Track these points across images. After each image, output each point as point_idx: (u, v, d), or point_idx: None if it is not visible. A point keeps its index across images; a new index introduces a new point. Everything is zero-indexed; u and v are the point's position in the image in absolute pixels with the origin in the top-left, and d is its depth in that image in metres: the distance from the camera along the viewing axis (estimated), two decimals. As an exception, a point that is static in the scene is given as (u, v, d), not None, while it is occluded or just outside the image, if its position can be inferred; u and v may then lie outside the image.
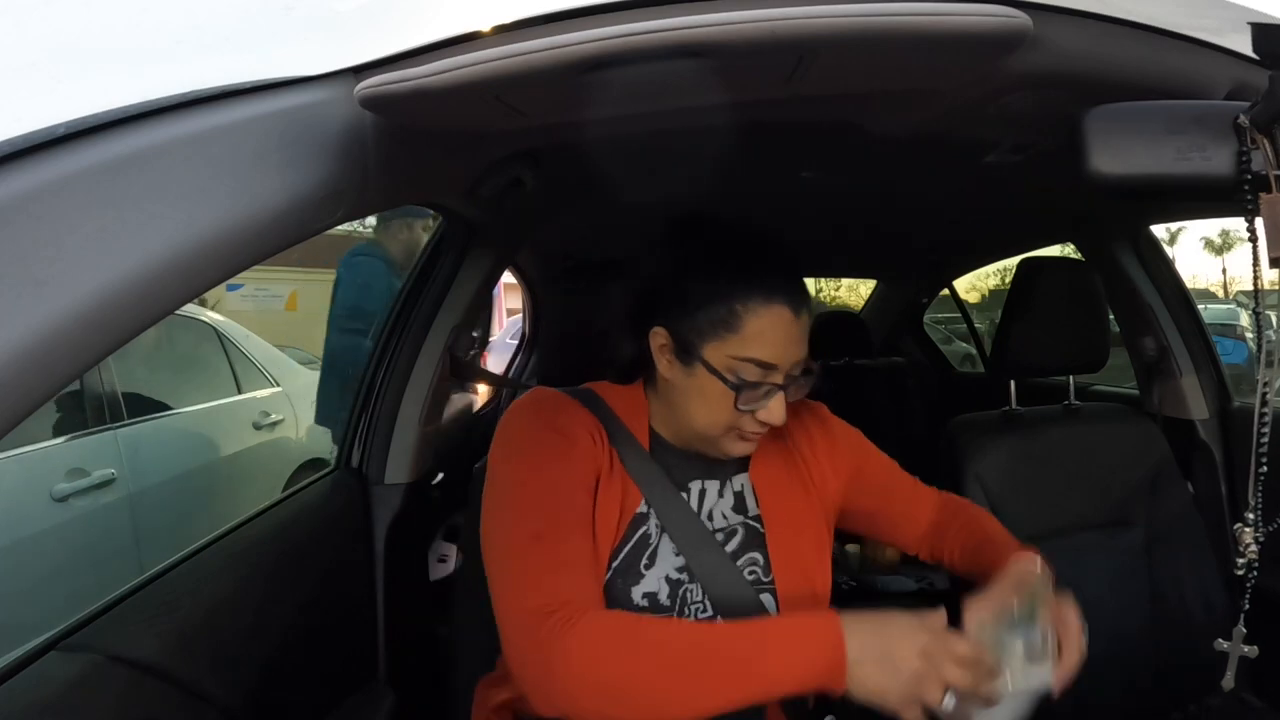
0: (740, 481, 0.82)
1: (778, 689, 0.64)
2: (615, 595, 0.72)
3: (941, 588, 1.81)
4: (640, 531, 0.75)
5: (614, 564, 0.73)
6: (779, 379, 0.72)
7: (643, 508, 0.76)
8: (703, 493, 0.80)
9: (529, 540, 0.69)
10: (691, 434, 0.78)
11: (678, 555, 0.75)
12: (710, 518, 0.79)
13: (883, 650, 0.62)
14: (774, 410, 0.72)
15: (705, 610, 0.75)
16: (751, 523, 0.80)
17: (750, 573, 0.77)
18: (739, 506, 0.81)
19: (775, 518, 0.80)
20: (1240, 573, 0.70)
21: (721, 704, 0.62)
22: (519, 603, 0.67)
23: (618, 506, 0.75)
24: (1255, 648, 0.85)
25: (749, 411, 0.73)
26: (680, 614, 0.74)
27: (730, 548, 0.78)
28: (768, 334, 0.71)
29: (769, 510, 0.80)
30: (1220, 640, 0.84)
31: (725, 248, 0.74)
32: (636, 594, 0.73)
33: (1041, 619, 0.66)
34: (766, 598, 0.77)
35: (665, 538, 0.76)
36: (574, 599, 0.66)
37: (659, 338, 0.75)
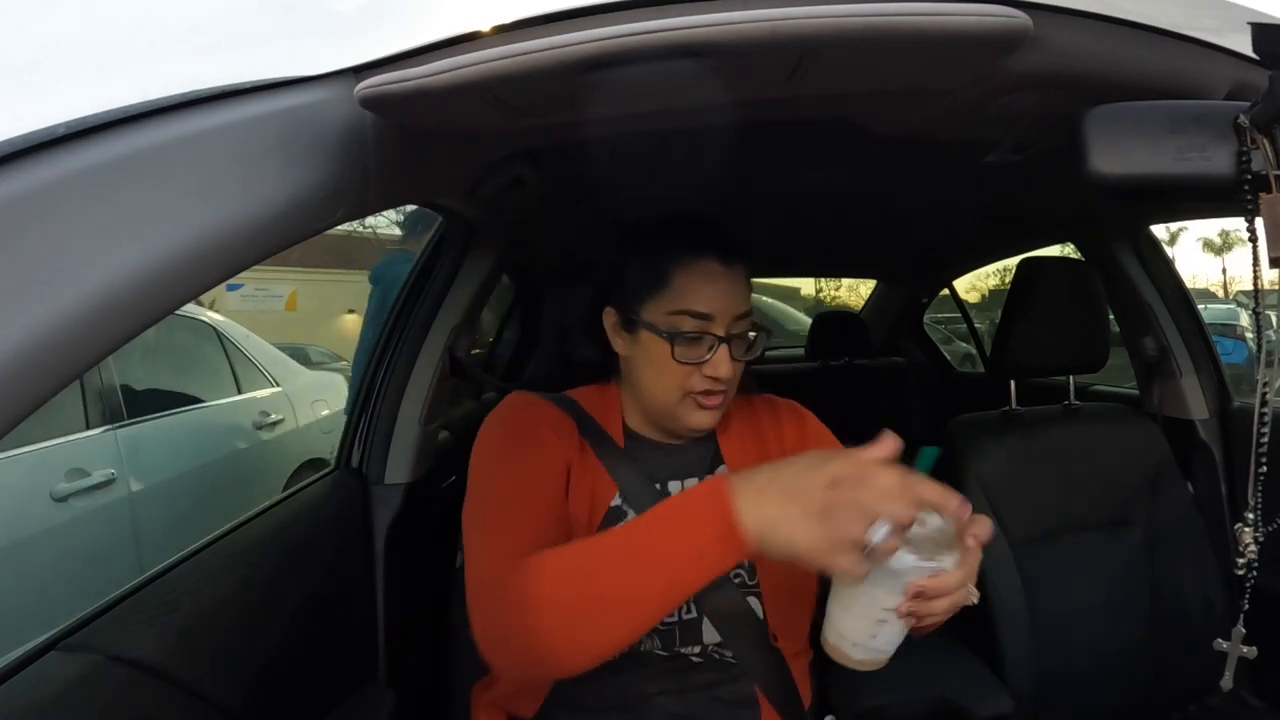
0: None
1: (686, 574, 0.55)
2: None
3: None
4: (620, 524, 0.75)
5: None
6: (718, 330, 0.74)
7: (617, 501, 0.77)
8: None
9: (491, 535, 0.69)
10: (655, 410, 0.79)
11: None
12: None
13: (781, 491, 0.53)
14: (718, 363, 0.74)
15: (690, 611, 0.75)
16: None
17: (735, 576, 0.76)
18: None
19: None
20: (1240, 573, 0.70)
21: (640, 610, 0.57)
22: (480, 592, 0.66)
23: (588, 499, 0.76)
24: (1255, 648, 0.85)
25: (693, 366, 0.74)
26: None
27: None
28: (696, 284, 0.74)
29: None
30: (1220, 640, 0.84)
31: (653, 223, 0.80)
32: None
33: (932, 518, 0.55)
34: (753, 600, 0.76)
35: None
36: None
37: (609, 318, 0.80)
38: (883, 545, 0.50)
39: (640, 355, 0.77)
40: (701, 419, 0.77)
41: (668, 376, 0.75)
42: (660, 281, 0.75)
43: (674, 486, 0.80)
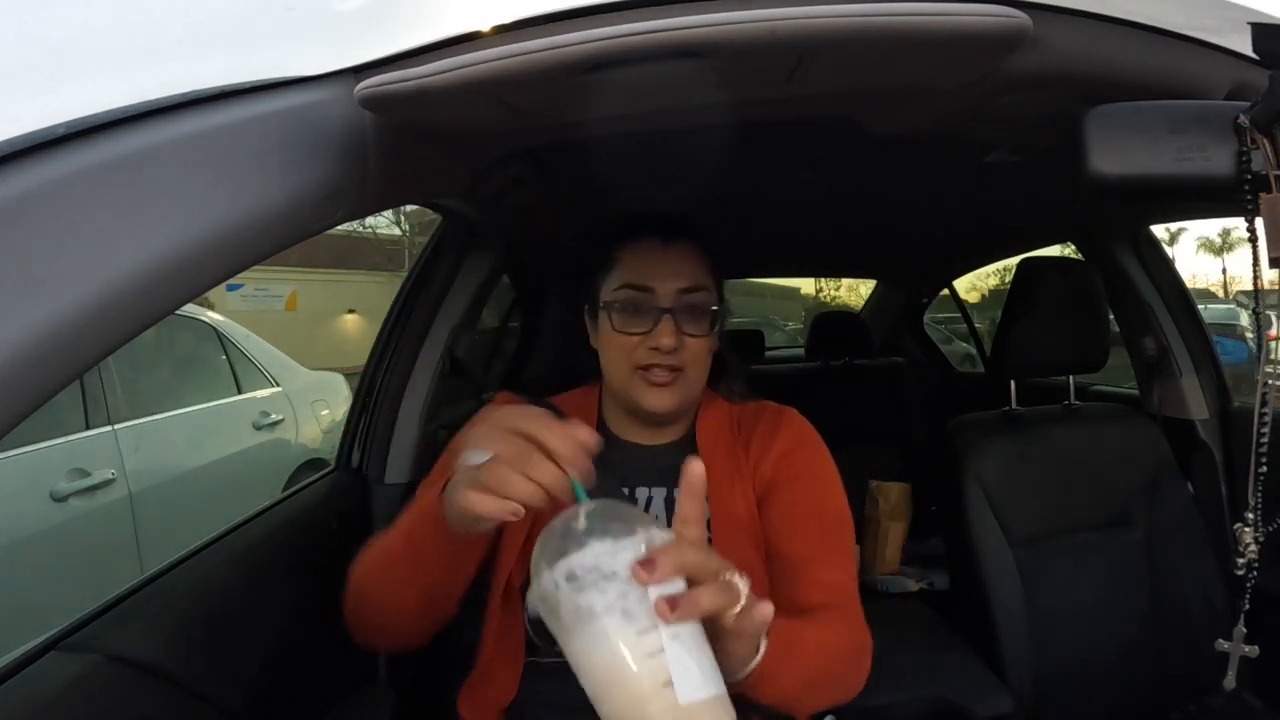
0: None
1: (419, 546, 0.62)
2: None
3: (942, 588, 1.82)
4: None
5: None
6: (662, 303, 0.76)
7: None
8: (650, 499, 0.79)
9: (419, 492, 0.73)
10: (617, 393, 0.81)
11: None
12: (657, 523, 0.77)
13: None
14: (661, 333, 0.75)
15: None
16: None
17: None
18: None
19: (721, 529, 0.76)
20: (1240, 573, 0.70)
21: (415, 580, 0.65)
22: None
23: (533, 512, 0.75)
24: (1255, 648, 0.85)
25: (638, 337, 0.76)
26: None
27: None
28: (637, 259, 0.79)
29: (717, 520, 0.76)
30: (1221, 640, 0.84)
31: (609, 220, 0.85)
32: None
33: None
34: None
35: None
36: None
37: (585, 315, 0.84)
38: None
39: (601, 338, 0.80)
40: (654, 399, 0.77)
41: (617, 351, 0.78)
42: (608, 264, 0.80)
43: (642, 493, 0.79)
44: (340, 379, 4.07)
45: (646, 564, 0.43)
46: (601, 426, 0.84)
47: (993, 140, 0.88)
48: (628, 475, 0.80)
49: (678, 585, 0.44)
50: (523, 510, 0.48)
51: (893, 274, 2.73)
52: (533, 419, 0.50)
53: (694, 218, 0.84)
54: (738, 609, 0.47)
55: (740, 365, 0.91)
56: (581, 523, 0.44)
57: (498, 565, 0.76)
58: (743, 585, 0.48)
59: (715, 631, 0.47)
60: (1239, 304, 7.30)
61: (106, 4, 0.47)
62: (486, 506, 0.48)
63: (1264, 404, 0.64)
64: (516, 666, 0.75)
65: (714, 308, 0.79)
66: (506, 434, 0.50)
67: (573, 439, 0.49)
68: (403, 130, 0.55)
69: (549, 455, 0.49)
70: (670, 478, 0.80)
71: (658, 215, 0.82)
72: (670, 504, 0.79)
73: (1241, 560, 0.70)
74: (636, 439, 0.83)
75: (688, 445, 0.82)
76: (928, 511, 2.12)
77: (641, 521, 0.46)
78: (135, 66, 0.45)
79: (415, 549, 0.64)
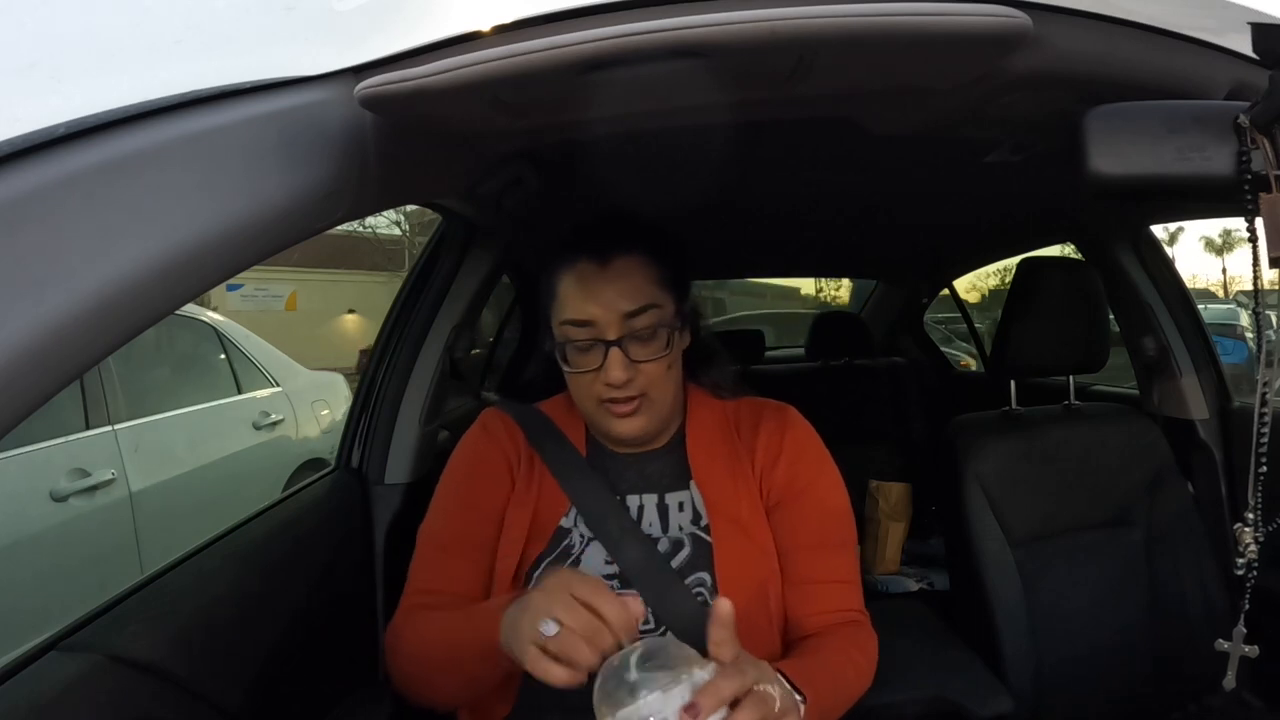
0: (683, 497, 0.79)
1: (472, 667, 0.67)
2: None
3: (942, 588, 1.82)
4: (565, 542, 0.75)
5: (535, 573, 0.74)
6: (607, 334, 0.71)
7: (566, 521, 0.76)
8: (641, 508, 0.79)
9: (419, 564, 0.80)
10: (587, 422, 0.80)
11: (609, 563, 0.74)
12: (651, 529, 0.77)
13: (520, 608, 0.59)
14: (609, 369, 0.71)
15: (648, 622, 0.72)
16: (701, 533, 0.77)
17: (697, 594, 0.73)
18: (693, 518, 0.78)
19: (723, 533, 0.76)
20: (1240, 573, 0.70)
21: (454, 680, 0.71)
22: (405, 594, 0.79)
23: (527, 523, 0.76)
24: (1255, 647, 0.84)
25: (585, 374, 0.73)
26: None
27: (676, 563, 0.75)
28: (572, 290, 0.73)
29: (717, 523, 0.76)
30: (1220, 640, 0.84)
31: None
32: None
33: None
34: None
35: (593, 545, 0.75)
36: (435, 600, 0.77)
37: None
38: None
39: (564, 371, 0.76)
40: (622, 427, 0.74)
41: (577, 387, 0.75)
42: (551, 294, 0.75)
43: (633, 501, 0.78)
44: (340, 379, 4.07)
45: (691, 708, 0.51)
46: (589, 437, 0.82)
47: (993, 140, 0.88)
48: (617, 484, 0.79)
49: (720, 712, 0.52)
50: (585, 678, 0.54)
51: (893, 274, 2.73)
52: (593, 589, 0.56)
53: (641, 219, 0.79)
54: (775, 709, 0.55)
55: (726, 358, 0.87)
56: (633, 675, 0.52)
57: (495, 582, 0.76)
58: (775, 691, 0.56)
59: None
60: (1239, 304, 7.30)
61: (106, 4, 0.47)
62: (561, 678, 0.54)
63: (1264, 404, 0.64)
64: (514, 676, 0.74)
65: (668, 325, 0.74)
66: (572, 603, 0.55)
67: (629, 614, 0.55)
68: (403, 130, 0.55)
69: (607, 625, 0.54)
70: (660, 484, 0.80)
71: (591, 231, 0.76)
72: (662, 510, 0.79)
73: (1241, 560, 0.70)
74: (624, 450, 0.81)
75: (678, 449, 0.82)
76: (928, 511, 2.12)
77: (685, 662, 0.53)
78: (135, 66, 0.45)
79: (468, 673, 0.69)
